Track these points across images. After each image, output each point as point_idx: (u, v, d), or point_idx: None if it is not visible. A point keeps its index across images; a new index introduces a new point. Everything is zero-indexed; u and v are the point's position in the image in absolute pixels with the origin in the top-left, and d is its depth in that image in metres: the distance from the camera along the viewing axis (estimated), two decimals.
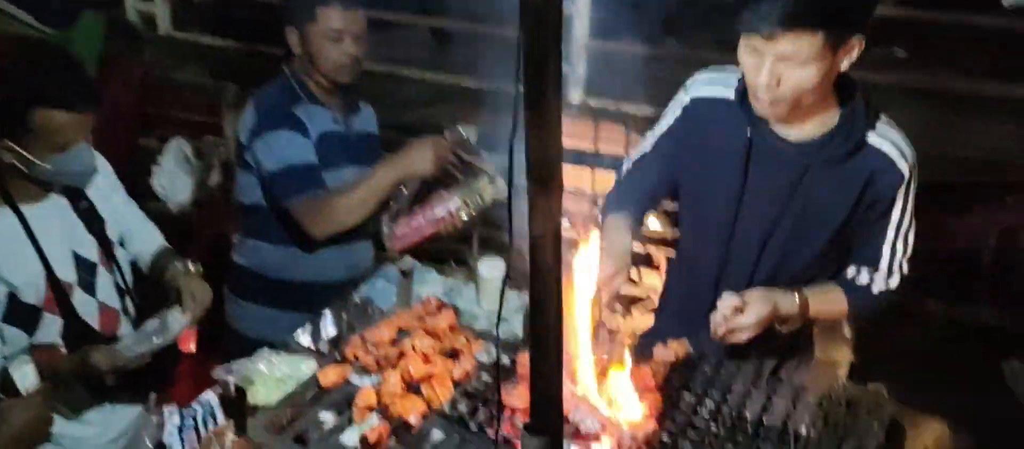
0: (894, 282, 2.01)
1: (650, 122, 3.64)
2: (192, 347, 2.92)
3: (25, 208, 2.07)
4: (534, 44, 1.09)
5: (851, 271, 2.03)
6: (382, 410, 1.64)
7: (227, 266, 2.72)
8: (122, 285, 2.30)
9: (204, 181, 3.39)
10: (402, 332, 1.91)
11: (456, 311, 2.10)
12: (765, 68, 1.76)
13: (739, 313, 1.86)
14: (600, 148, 3.98)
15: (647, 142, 2.19)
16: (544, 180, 1.14)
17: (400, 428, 1.61)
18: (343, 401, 1.71)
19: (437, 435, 1.65)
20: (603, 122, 4.00)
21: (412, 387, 1.71)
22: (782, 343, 2.11)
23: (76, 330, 2.08)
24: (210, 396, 2.02)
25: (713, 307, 1.94)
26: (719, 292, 2.02)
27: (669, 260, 2.45)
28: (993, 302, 3.40)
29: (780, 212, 1.96)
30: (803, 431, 1.68)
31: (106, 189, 2.31)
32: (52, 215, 2.13)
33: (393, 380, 1.66)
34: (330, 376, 1.71)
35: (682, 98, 2.09)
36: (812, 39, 1.69)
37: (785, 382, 1.86)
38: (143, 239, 2.38)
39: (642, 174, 2.21)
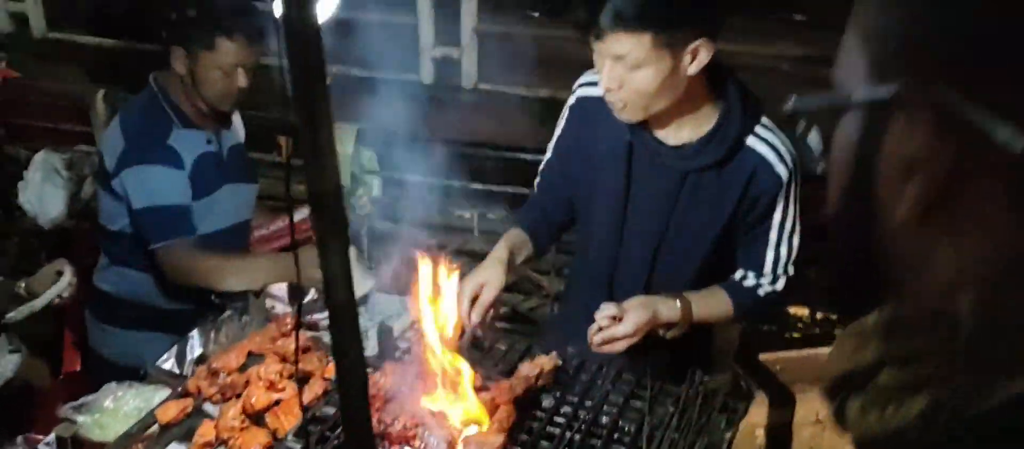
0: (780, 285, 2.00)
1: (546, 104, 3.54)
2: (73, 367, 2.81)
3: None
4: (300, 69, 1.03)
5: (738, 273, 2.02)
6: (222, 445, 1.58)
7: (89, 291, 2.59)
8: None
9: (76, 194, 3.24)
10: (253, 356, 1.84)
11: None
12: (605, 71, 1.74)
13: (617, 323, 1.84)
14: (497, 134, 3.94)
15: (549, 150, 2.17)
16: (328, 216, 1.09)
17: None
18: (185, 436, 1.65)
19: None
20: (498, 106, 3.96)
21: (256, 417, 1.65)
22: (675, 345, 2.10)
23: None
24: (52, 439, 1.92)
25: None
26: (614, 296, 2.01)
27: (572, 256, 2.40)
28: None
29: (665, 218, 1.94)
30: (658, 433, 1.67)
31: None
32: None
33: (232, 413, 1.59)
34: (169, 412, 1.64)
35: (570, 100, 2.08)
36: (638, 40, 1.67)
37: (647, 384, 1.85)
38: None
39: (547, 183, 2.19)
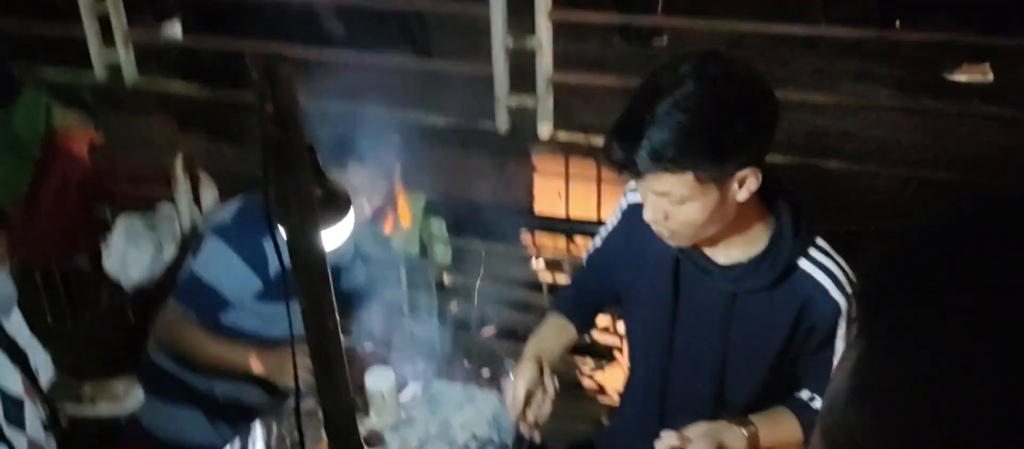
0: None
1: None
2: None
3: None
4: (310, 302, 0.99)
5: (805, 394, 1.89)
6: None
7: (141, 361, 2.61)
8: (46, 419, 2.25)
9: (158, 257, 3.32)
10: None
11: None
12: (648, 204, 1.65)
13: None
14: (571, 183, 3.85)
15: (600, 237, 2.10)
16: (343, 437, 1.06)
17: None
18: None
19: None
20: (573, 157, 3.87)
21: None
22: None
23: None
24: None
25: (662, 426, 1.84)
26: (665, 413, 1.93)
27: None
28: None
29: (717, 338, 1.84)
30: None
31: (18, 320, 2.26)
32: None
33: None
34: None
35: (622, 201, 1.99)
36: (679, 179, 1.57)
37: None
38: (45, 369, 2.32)
39: (593, 269, 2.12)
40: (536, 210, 3.72)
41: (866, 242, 3.05)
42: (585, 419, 3.26)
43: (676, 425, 1.85)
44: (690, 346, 1.88)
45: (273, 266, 2.39)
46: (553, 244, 3.69)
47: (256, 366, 2.38)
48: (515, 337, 3.21)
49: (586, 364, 3.40)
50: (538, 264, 3.61)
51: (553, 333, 2.06)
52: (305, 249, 0.93)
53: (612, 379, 3.39)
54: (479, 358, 3.10)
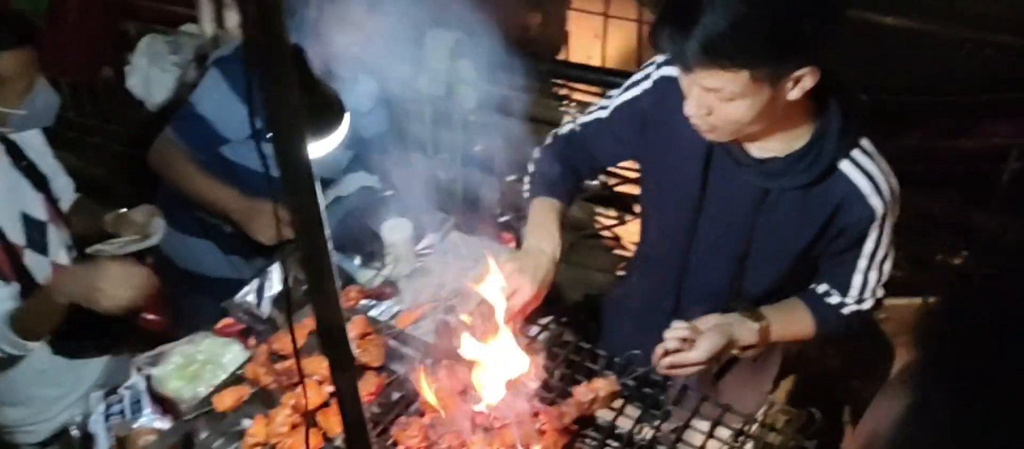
0: (867, 306, 1.82)
1: None
2: None
3: None
4: (298, 210, 0.94)
5: (822, 287, 1.84)
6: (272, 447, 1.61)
7: (160, 191, 2.60)
8: (69, 241, 2.27)
9: (182, 78, 3.27)
10: (314, 336, 1.84)
11: None
12: (692, 97, 1.53)
13: (688, 346, 1.71)
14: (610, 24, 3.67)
15: (605, 108, 1.95)
16: (336, 346, 1.04)
17: None
18: (235, 431, 1.68)
19: None
20: None
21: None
22: None
23: (30, 293, 2.02)
24: (138, 382, 1.99)
25: (674, 314, 1.81)
26: (681, 294, 1.89)
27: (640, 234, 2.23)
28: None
29: (742, 232, 1.77)
30: None
31: (40, 144, 2.24)
32: None
33: (281, 418, 1.61)
34: (226, 401, 1.68)
35: (652, 71, 1.84)
36: (733, 76, 1.44)
37: (711, 403, 1.75)
38: (66, 192, 2.31)
39: (589, 139, 1.99)
40: (571, 49, 3.58)
41: (916, 115, 2.90)
42: (601, 269, 3.26)
43: (691, 307, 1.83)
44: (713, 235, 1.81)
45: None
46: (585, 86, 3.56)
47: (232, 210, 2.36)
48: None
49: (607, 216, 3.36)
50: (569, 107, 3.51)
51: (560, 222, 1.92)
52: (292, 162, 0.87)
53: (630, 232, 3.36)
54: (501, 204, 3.08)
